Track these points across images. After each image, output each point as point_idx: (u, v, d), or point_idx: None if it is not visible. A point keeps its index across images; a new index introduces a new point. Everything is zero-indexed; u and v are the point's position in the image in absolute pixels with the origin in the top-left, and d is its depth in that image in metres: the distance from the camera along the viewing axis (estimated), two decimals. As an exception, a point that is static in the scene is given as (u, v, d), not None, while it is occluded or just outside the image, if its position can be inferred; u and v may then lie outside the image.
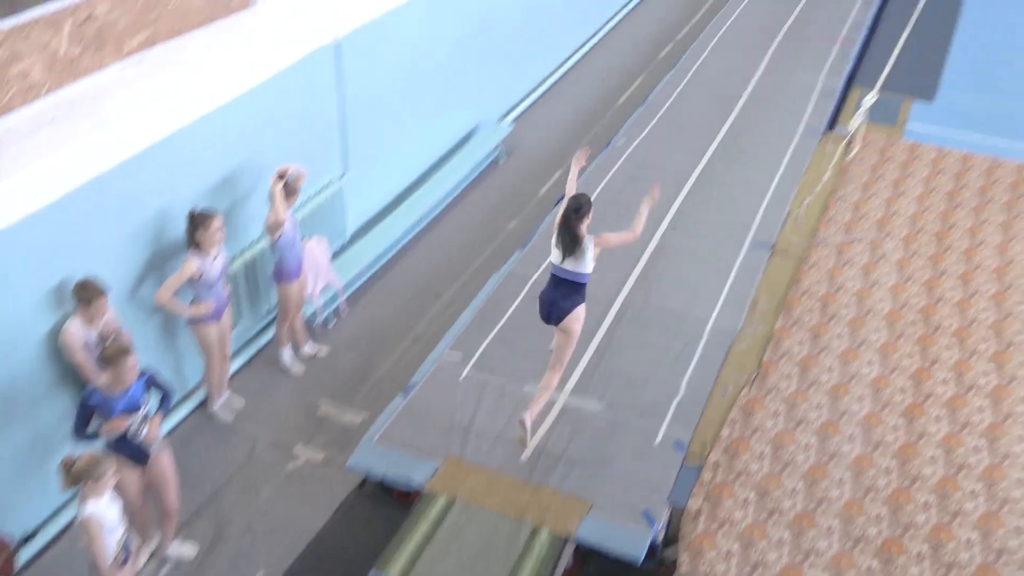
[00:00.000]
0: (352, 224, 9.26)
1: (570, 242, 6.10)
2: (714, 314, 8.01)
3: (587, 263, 6.20)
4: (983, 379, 7.60)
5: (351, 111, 8.74)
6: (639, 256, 8.69)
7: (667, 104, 11.55)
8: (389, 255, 9.36)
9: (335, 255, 8.82)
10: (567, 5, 13.24)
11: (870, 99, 10.50)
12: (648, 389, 7.20)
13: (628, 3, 15.81)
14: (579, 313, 6.35)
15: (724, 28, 13.80)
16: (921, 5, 10.21)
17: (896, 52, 10.07)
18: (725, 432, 6.97)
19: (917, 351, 7.88)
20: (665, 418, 6.91)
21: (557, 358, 6.56)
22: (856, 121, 10.63)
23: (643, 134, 10.78)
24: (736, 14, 14.32)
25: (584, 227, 6.11)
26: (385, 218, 9.50)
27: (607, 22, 15.03)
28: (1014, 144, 11.04)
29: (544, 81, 13.07)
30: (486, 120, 11.42)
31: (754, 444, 6.95)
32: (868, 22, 14.12)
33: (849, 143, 10.68)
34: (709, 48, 13.16)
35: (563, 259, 6.18)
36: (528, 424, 6.46)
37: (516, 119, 12.03)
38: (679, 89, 11.95)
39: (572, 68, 13.62)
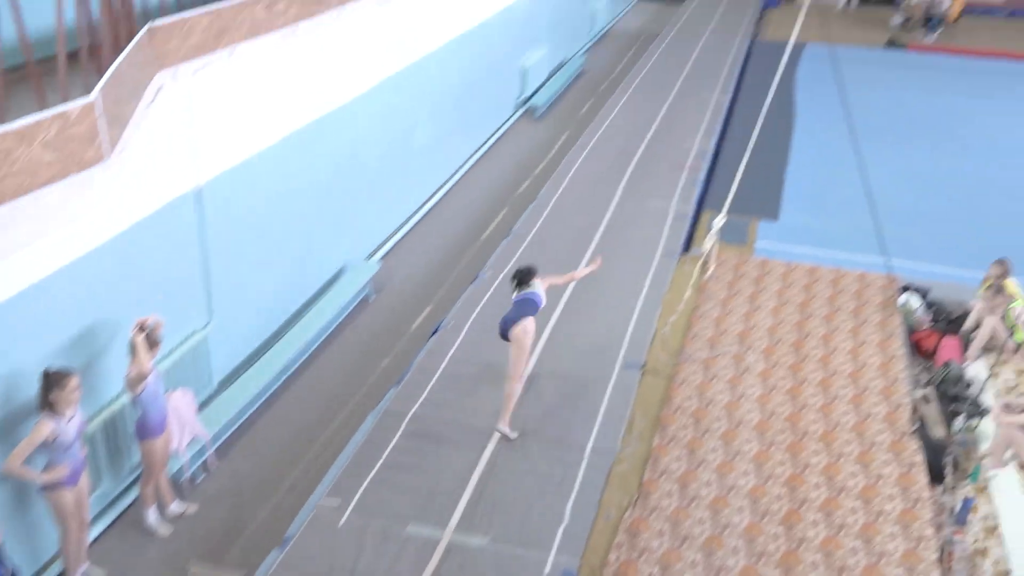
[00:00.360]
0: (218, 372, 9.02)
1: (523, 281, 7.96)
2: (592, 436, 8.09)
3: (538, 289, 7.95)
4: (852, 480, 7.88)
5: (214, 257, 8.64)
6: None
7: (530, 236, 11.91)
8: (259, 402, 9.11)
9: (201, 406, 8.52)
10: (426, 146, 13.65)
11: (720, 221, 11.13)
12: (533, 518, 7.13)
13: (485, 142, 16.43)
14: (524, 324, 7.76)
15: (579, 161, 14.46)
16: (756, 133, 11.04)
17: (739, 177, 10.80)
18: (613, 556, 6.95)
19: (788, 458, 8.13)
20: (552, 547, 6.84)
21: (512, 368, 7.87)
22: (709, 242, 11.21)
23: (509, 265, 11.02)
24: (588, 148, 15.05)
25: (536, 278, 8.01)
26: (253, 364, 9.29)
27: (466, 161, 15.54)
28: (853, 256, 11.84)
29: (409, 219, 13.30)
30: (353, 259, 11.47)
31: (642, 566, 6.94)
32: (711, 150, 15.10)
33: (705, 263, 11.22)
34: (566, 180, 13.74)
35: (519, 292, 7.96)
36: (506, 430, 7.92)
37: (383, 257, 12.14)
38: (541, 220, 12.36)
39: (435, 206, 13.94)
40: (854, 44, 23.08)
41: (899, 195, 13.77)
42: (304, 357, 9.91)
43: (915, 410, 8.67)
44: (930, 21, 23.70)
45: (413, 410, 8.38)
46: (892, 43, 23.20)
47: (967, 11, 24.65)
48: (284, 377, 9.53)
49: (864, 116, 16.39)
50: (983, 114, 18.23)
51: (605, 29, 24.92)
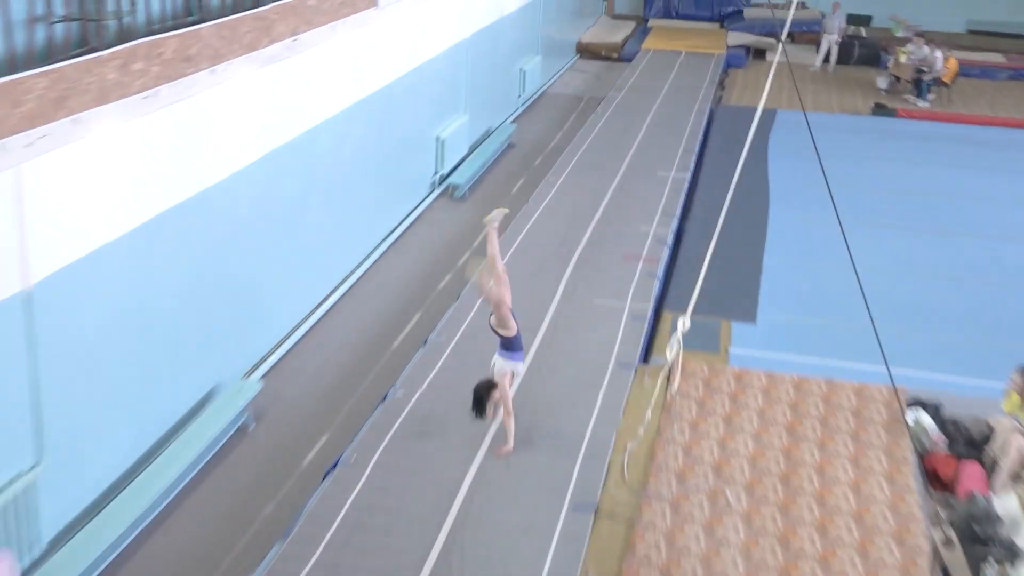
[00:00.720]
0: (49, 528, 8.65)
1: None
2: (536, 602, 7.90)
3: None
4: (862, 649, 7.78)
5: (47, 378, 8.37)
6: (438, 529, 8.58)
7: (451, 345, 11.82)
8: (102, 566, 8.74)
9: (25, 574, 8.14)
10: (320, 235, 13.59)
11: (684, 322, 11.18)
12: None
13: (395, 229, 16.47)
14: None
15: (510, 252, 14.53)
16: (723, 216, 11.20)
17: (704, 269, 10.89)
18: None
19: (782, 623, 8.03)
20: None
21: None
22: (673, 349, 11.22)
23: (426, 382, 10.90)
24: (522, 236, 15.16)
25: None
26: (96, 516, 8.95)
27: (371, 252, 15.52)
28: (848, 364, 11.96)
29: (299, 326, 13.15)
30: (227, 378, 11.26)
31: None
32: (671, 237, 15.32)
33: (669, 375, 11.20)
34: (496, 275, 13.76)
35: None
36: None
37: (265, 375, 11.93)
38: (463, 327, 12.29)
39: (332, 309, 13.83)
40: (834, 111, 24.02)
41: (897, 289, 14.09)
42: (163, 505, 9.58)
43: (935, 556, 8.67)
44: (921, 84, 24.82)
45: (304, 574, 8.09)
46: (880, 109, 24.18)
47: (963, 73, 25.89)
48: (136, 532, 9.18)
49: (852, 195, 16.87)
50: (989, 190, 18.96)
51: (539, 92, 25.52)
